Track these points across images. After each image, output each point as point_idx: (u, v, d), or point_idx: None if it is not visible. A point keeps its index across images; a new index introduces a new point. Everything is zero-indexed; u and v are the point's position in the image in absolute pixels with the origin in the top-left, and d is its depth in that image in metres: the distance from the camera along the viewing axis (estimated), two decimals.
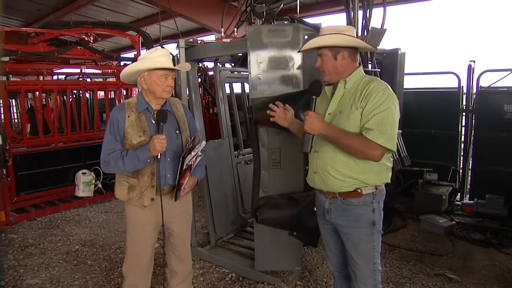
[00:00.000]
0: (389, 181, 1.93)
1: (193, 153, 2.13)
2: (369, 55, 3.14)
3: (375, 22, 3.05)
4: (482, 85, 4.73)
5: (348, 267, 2.04)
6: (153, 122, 2.16)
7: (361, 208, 1.89)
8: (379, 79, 1.91)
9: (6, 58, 4.87)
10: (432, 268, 3.32)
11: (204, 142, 2.21)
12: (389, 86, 1.83)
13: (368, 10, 2.95)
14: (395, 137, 1.81)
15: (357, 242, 1.93)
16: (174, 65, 2.24)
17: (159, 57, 2.12)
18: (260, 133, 2.84)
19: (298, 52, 2.28)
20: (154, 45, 5.81)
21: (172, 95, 2.31)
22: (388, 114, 1.76)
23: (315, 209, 2.19)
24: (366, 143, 1.76)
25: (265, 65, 2.76)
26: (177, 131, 2.24)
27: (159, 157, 2.07)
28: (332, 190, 1.92)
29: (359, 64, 1.99)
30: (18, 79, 6.95)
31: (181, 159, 2.10)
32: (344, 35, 1.87)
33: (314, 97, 1.92)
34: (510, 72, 4.47)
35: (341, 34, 1.86)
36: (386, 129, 1.75)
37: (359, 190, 1.87)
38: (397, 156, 3.32)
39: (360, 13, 2.98)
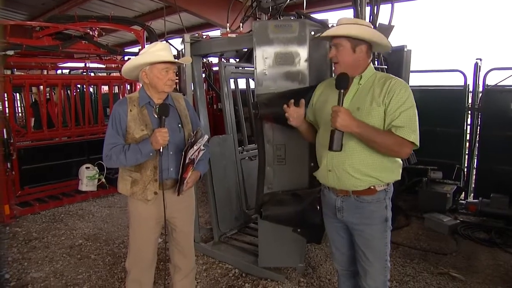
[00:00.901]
0: (400, 178, 1.92)
1: (195, 147, 2.12)
2: (376, 52, 3.10)
3: (382, 19, 3.03)
4: (489, 84, 4.68)
5: (354, 265, 2.03)
6: (155, 116, 2.15)
7: (374, 205, 1.87)
8: (393, 75, 1.87)
9: (11, 52, 4.87)
10: (436, 266, 3.30)
11: (206, 136, 2.21)
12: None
13: (376, 6, 2.92)
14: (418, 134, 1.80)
15: (370, 239, 1.91)
16: (177, 59, 2.23)
17: (159, 51, 2.11)
18: (265, 129, 2.82)
19: (315, 38, 2.08)
20: (159, 40, 5.82)
21: (177, 90, 2.30)
22: (414, 111, 1.76)
23: (318, 207, 2.17)
24: (399, 141, 1.74)
25: (271, 61, 2.73)
26: (179, 125, 2.23)
27: (161, 150, 2.06)
28: (346, 188, 1.89)
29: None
30: (23, 73, 6.95)
31: (183, 153, 2.09)
32: (366, 27, 1.82)
33: (342, 90, 1.78)
34: None
35: (365, 26, 1.82)
36: (415, 126, 1.75)
37: (372, 187, 1.85)
38: None
39: (368, 9, 2.95)
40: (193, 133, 2.20)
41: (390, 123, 1.76)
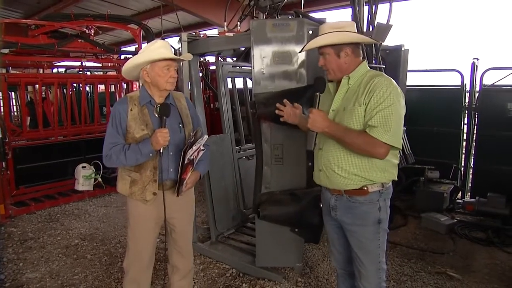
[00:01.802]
0: (396, 178, 1.91)
1: (194, 147, 2.10)
2: (374, 51, 3.10)
3: (380, 18, 3.02)
4: (486, 83, 4.69)
5: (352, 264, 2.02)
6: (156, 115, 2.13)
7: (367, 206, 1.87)
8: (383, 73, 1.86)
9: (6, 50, 4.83)
10: (433, 266, 3.31)
11: (206, 136, 2.19)
12: (394, 81, 1.80)
13: (374, 5, 2.92)
14: (401, 133, 1.78)
15: (363, 240, 1.91)
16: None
17: (159, 48, 2.09)
18: (263, 129, 2.81)
19: (299, 52, 2.23)
20: (155, 39, 5.79)
21: (175, 89, 2.28)
22: (393, 110, 1.72)
23: (320, 205, 2.17)
24: (370, 141, 1.73)
25: (269, 60, 2.72)
26: (180, 125, 2.22)
27: (161, 151, 2.04)
28: (338, 187, 1.90)
29: (363, 58, 1.96)
30: (18, 72, 6.90)
31: (182, 153, 2.07)
32: (344, 32, 1.84)
33: (318, 94, 1.89)
34: None
35: (341, 31, 1.84)
36: (390, 126, 1.71)
37: (365, 188, 1.84)
38: (401, 154, 3.30)
39: (366, 8, 2.94)
40: (192, 133, 2.18)
41: (366, 122, 1.76)
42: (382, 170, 1.85)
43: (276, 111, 2.17)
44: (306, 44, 1.96)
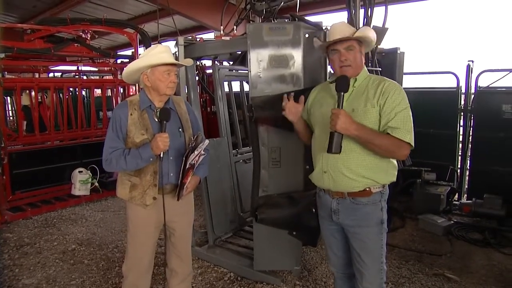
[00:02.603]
0: (395, 180, 1.92)
1: (196, 152, 2.11)
2: (370, 54, 3.12)
3: (375, 21, 3.04)
4: (481, 85, 4.72)
5: (350, 267, 2.02)
6: (156, 120, 2.13)
7: (370, 207, 1.88)
8: (387, 78, 1.89)
9: (2, 55, 4.81)
10: (431, 268, 3.31)
11: (207, 141, 2.19)
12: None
13: (369, 8, 2.93)
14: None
15: (366, 241, 1.90)
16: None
17: (160, 53, 2.09)
18: (260, 132, 2.81)
19: (352, 37, 1.89)
20: (152, 43, 5.79)
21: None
22: (408, 112, 1.78)
23: (313, 210, 2.17)
24: (396, 142, 1.75)
25: (266, 64, 2.73)
26: (180, 130, 2.22)
27: (161, 155, 2.04)
28: (342, 190, 1.89)
29: None
30: (14, 76, 6.87)
31: (184, 158, 2.08)
32: (371, 29, 1.90)
33: (342, 93, 1.78)
34: (508, 72, 4.47)
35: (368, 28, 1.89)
36: (410, 126, 1.76)
37: (367, 189, 1.85)
38: None
39: (362, 11, 2.96)
40: (193, 138, 2.18)
41: (385, 124, 1.77)
42: (385, 171, 1.87)
43: (283, 104, 2.07)
44: (357, 31, 1.85)
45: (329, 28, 1.97)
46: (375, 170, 1.84)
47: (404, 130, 1.74)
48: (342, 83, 1.78)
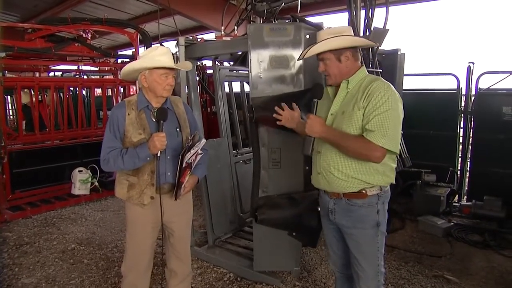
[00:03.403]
0: (394, 182, 1.92)
1: (192, 151, 2.10)
2: (371, 55, 3.12)
3: (376, 22, 3.04)
4: (481, 87, 4.72)
5: (350, 268, 2.02)
6: (153, 120, 2.13)
7: (365, 209, 1.87)
8: (381, 78, 1.88)
9: (2, 54, 4.81)
10: (430, 269, 3.31)
11: (204, 140, 2.19)
12: (392, 86, 1.81)
13: (370, 9, 2.94)
14: (398, 138, 1.80)
15: (361, 243, 1.91)
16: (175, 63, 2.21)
17: (159, 55, 2.09)
18: (260, 133, 2.81)
19: (298, 60, 2.23)
20: (152, 43, 5.78)
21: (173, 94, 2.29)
22: (390, 114, 1.73)
23: (318, 208, 2.18)
24: (366, 145, 1.74)
25: (266, 64, 2.73)
26: (178, 129, 2.22)
27: (159, 155, 2.05)
28: (337, 190, 1.90)
29: (361, 63, 1.97)
30: (14, 76, 6.87)
31: (180, 156, 2.08)
32: (344, 36, 1.86)
33: (315, 100, 1.94)
34: (509, 74, 4.47)
35: (340, 36, 1.85)
36: (387, 130, 1.72)
37: (364, 191, 1.85)
38: (398, 157, 3.31)
39: (362, 12, 2.96)
40: (190, 137, 2.18)
41: (364, 126, 1.77)
42: (381, 173, 1.86)
43: (274, 115, 2.19)
44: (305, 51, 1.96)
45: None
46: (365, 172, 1.83)
47: (379, 133, 1.72)
48: (316, 91, 1.98)
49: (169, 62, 2.09)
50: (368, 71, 2.02)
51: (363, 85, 1.84)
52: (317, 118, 1.87)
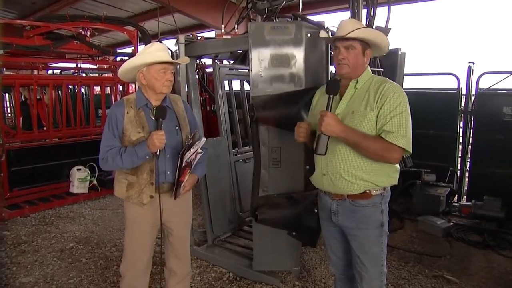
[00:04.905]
0: (397, 183, 1.90)
1: (192, 150, 2.08)
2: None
3: (378, 21, 3.02)
4: (481, 87, 4.72)
5: (350, 269, 2.01)
6: (152, 118, 2.11)
7: (369, 210, 1.86)
8: (388, 79, 1.87)
9: (1, 51, 4.78)
10: (430, 269, 3.31)
11: (204, 139, 2.17)
12: (402, 88, 1.81)
13: (372, 8, 2.92)
14: (411, 139, 1.79)
15: (366, 244, 1.89)
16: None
17: (156, 51, 2.08)
18: (260, 132, 2.79)
19: (345, 36, 1.83)
20: (152, 41, 5.75)
21: (173, 92, 2.27)
22: (406, 116, 1.75)
23: (315, 210, 2.15)
24: (387, 146, 1.73)
25: (267, 63, 2.71)
26: (177, 128, 2.20)
27: (158, 153, 2.02)
28: (341, 192, 1.87)
29: None
30: (12, 73, 6.84)
31: (180, 155, 2.06)
32: (378, 31, 1.86)
33: (331, 96, 1.80)
34: (509, 74, 4.47)
35: (378, 31, 1.85)
36: (405, 131, 1.73)
37: (368, 191, 1.83)
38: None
39: (364, 11, 2.94)
40: (190, 136, 2.16)
41: (381, 127, 1.75)
42: (387, 174, 1.85)
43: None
44: (352, 31, 1.79)
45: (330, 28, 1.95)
46: (375, 173, 1.82)
47: (398, 134, 1.71)
48: (332, 86, 1.81)
49: (166, 57, 2.08)
50: (371, 70, 2.01)
51: (373, 86, 1.83)
52: (334, 115, 1.76)
